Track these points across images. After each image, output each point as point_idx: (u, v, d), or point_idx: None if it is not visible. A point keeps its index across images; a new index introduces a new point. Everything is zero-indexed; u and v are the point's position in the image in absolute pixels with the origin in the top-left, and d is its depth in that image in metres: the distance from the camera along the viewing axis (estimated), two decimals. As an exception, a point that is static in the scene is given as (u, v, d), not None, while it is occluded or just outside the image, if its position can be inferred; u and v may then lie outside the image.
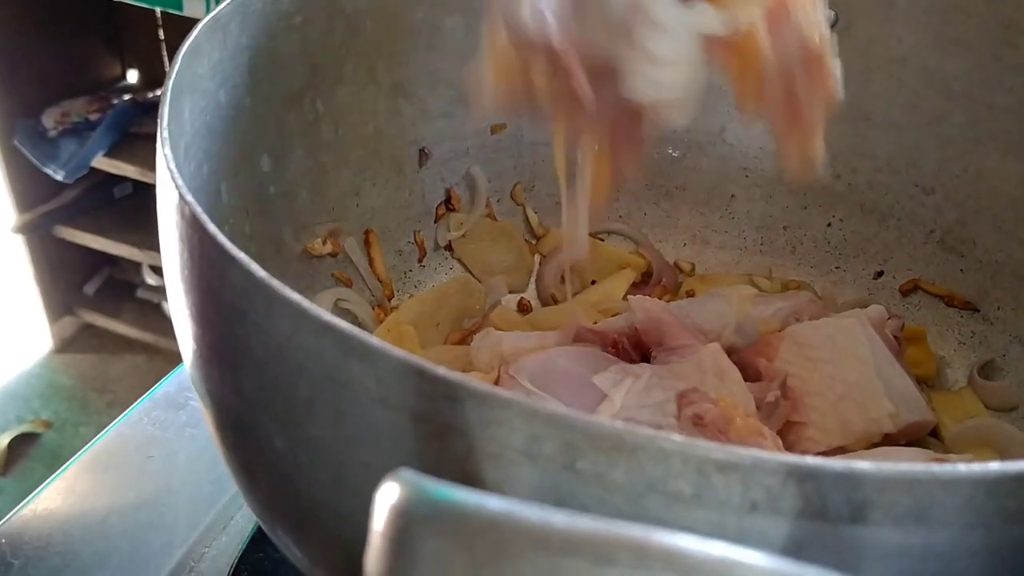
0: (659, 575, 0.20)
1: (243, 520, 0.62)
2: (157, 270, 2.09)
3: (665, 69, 0.42)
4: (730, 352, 0.56)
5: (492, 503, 0.20)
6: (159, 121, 0.39)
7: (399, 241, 0.66)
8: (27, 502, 0.62)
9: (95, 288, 2.23)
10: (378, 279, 0.64)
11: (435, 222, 0.68)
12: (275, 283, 0.30)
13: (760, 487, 0.26)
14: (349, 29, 0.58)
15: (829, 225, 0.69)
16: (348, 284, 0.62)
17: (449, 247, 0.69)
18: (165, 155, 0.36)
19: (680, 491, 0.27)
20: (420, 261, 0.67)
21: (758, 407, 0.53)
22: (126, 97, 2.03)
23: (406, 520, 0.21)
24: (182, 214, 0.34)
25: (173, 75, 0.42)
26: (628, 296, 0.65)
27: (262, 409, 0.34)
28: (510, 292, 0.69)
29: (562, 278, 0.69)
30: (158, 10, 1.84)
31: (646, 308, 0.58)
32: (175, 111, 0.41)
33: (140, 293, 2.22)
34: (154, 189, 0.38)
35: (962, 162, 0.63)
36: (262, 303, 0.31)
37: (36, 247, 2.07)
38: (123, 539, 0.60)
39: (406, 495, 0.21)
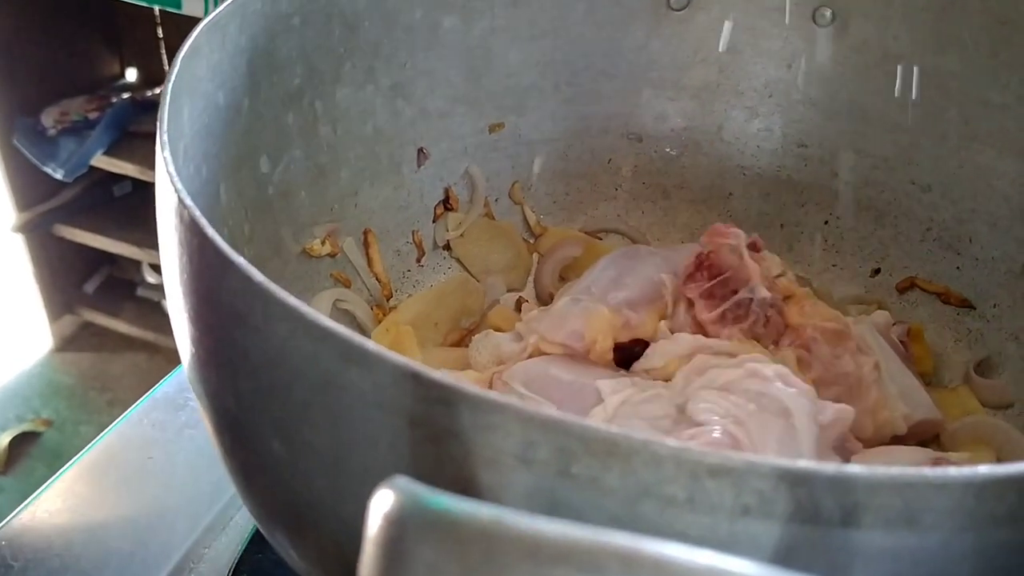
0: (649, 583, 0.20)
1: (242, 521, 0.62)
2: (157, 268, 2.09)
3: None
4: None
5: (484, 512, 0.20)
6: (158, 124, 0.39)
7: (397, 241, 0.66)
8: (27, 504, 0.62)
9: (95, 286, 2.24)
10: (377, 279, 0.64)
11: (433, 222, 0.68)
12: (273, 287, 0.31)
13: (752, 491, 0.26)
14: (347, 30, 0.58)
15: (826, 223, 0.69)
16: (347, 284, 0.63)
17: (447, 246, 0.69)
18: (164, 159, 0.37)
19: (673, 496, 0.27)
20: (418, 261, 0.68)
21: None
22: (125, 96, 2.03)
23: (399, 528, 0.21)
24: (181, 218, 0.34)
25: (172, 78, 0.42)
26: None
27: (259, 412, 0.35)
28: (508, 291, 0.69)
29: (560, 277, 0.69)
30: (157, 8, 1.84)
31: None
32: (174, 113, 0.42)
33: (140, 291, 2.23)
34: (153, 187, 0.39)
35: (958, 159, 0.63)
36: (260, 307, 0.31)
37: (36, 246, 2.08)
38: (123, 541, 0.60)
39: (400, 503, 0.21)
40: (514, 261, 0.69)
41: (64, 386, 2.15)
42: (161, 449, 0.67)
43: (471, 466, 0.28)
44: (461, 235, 0.68)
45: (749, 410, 0.47)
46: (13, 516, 0.61)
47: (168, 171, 0.36)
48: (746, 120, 0.70)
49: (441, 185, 0.68)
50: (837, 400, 0.54)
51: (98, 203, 2.08)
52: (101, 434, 0.67)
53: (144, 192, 2.02)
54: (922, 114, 0.64)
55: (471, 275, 0.69)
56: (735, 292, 0.56)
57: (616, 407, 0.51)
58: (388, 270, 0.65)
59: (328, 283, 0.62)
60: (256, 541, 0.60)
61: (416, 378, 0.28)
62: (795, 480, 0.26)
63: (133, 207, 2.08)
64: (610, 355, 0.56)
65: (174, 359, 0.43)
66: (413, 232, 0.67)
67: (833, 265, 0.70)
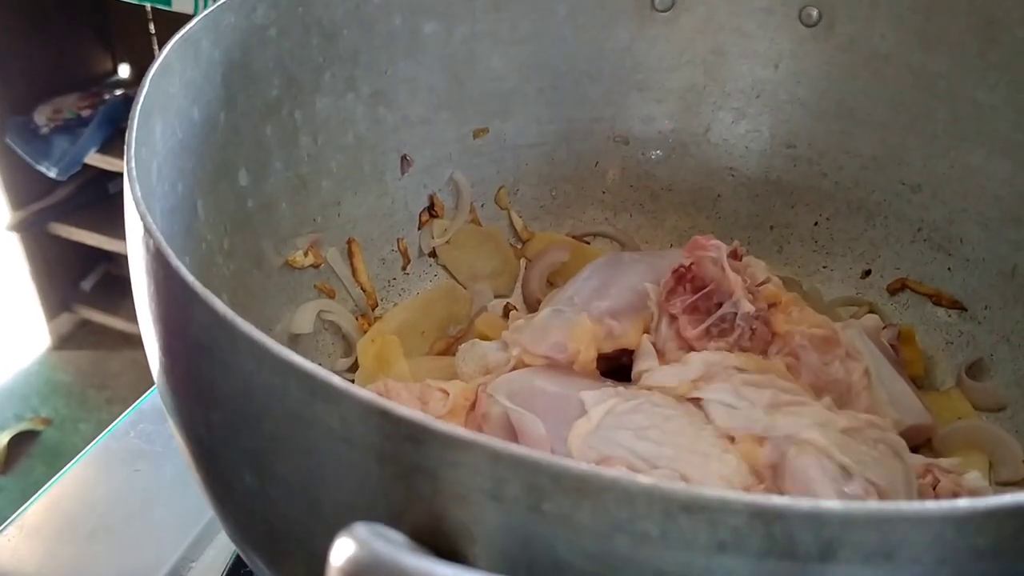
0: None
1: (230, 535, 0.61)
2: (153, 266, 2.08)
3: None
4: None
5: (441, 571, 0.20)
6: (126, 149, 0.39)
7: (382, 249, 0.66)
8: (13, 519, 0.61)
9: (92, 284, 2.24)
10: (362, 288, 0.64)
11: (419, 229, 0.67)
12: (238, 320, 0.30)
13: (727, 527, 0.26)
14: (326, 39, 0.58)
15: (816, 224, 0.69)
16: (331, 295, 0.62)
17: (433, 254, 0.68)
18: (130, 185, 0.36)
19: (647, 532, 0.26)
20: (404, 269, 0.67)
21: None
22: (118, 92, 2.02)
23: (355, 585, 0.20)
24: (147, 247, 0.34)
25: (141, 99, 0.41)
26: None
27: (231, 443, 0.34)
28: (496, 297, 0.68)
29: (548, 282, 0.69)
30: (148, 5, 1.83)
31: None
32: (144, 134, 0.41)
33: (137, 288, 2.22)
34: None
35: (948, 160, 0.63)
36: (226, 340, 0.31)
37: (31, 245, 2.07)
38: (110, 554, 0.60)
39: (356, 556, 0.21)
40: (501, 267, 0.69)
41: (62, 384, 2.15)
42: (148, 461, 0.66)
43: (441, 503, 0.28)
44: (447, 242, 0.68)
45: (874, 456, 0.48)
46: (0, 528, 0.61)
47: (134, 197, 0.35)
48: (733, 121, 0.69)
49: (426, 192, 0.67)
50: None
51: (93, 201, 2.07)
52: (88, 445, 0.67)
53: (138, 190, 2.01)
54: (911, 114, 0.63)
55: (458, 282, 0.68)
56: (719, 305, 0.56)
57: (600, 418, 0.50)
58: (373, 279, 0.65)
59: (312, 294, 0.61)
60: (242, 557, 0.59)
61: (383, 415, 0.27)
62: (770, 516, 0.26)
63: (128, 205, 2.07)
64: (594, 365, 0.55)
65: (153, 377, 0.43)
66: (398, 240, 0.66)
67: (824, 267, 0.69)
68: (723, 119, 0.69)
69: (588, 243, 0.71)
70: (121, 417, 0.68)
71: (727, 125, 0.69)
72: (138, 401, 0.70)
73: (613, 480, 0.26)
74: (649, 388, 0.53)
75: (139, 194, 0.35)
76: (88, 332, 2.26)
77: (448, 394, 0.53)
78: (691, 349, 0.56)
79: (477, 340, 0.60)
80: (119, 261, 2.21)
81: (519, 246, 0.71)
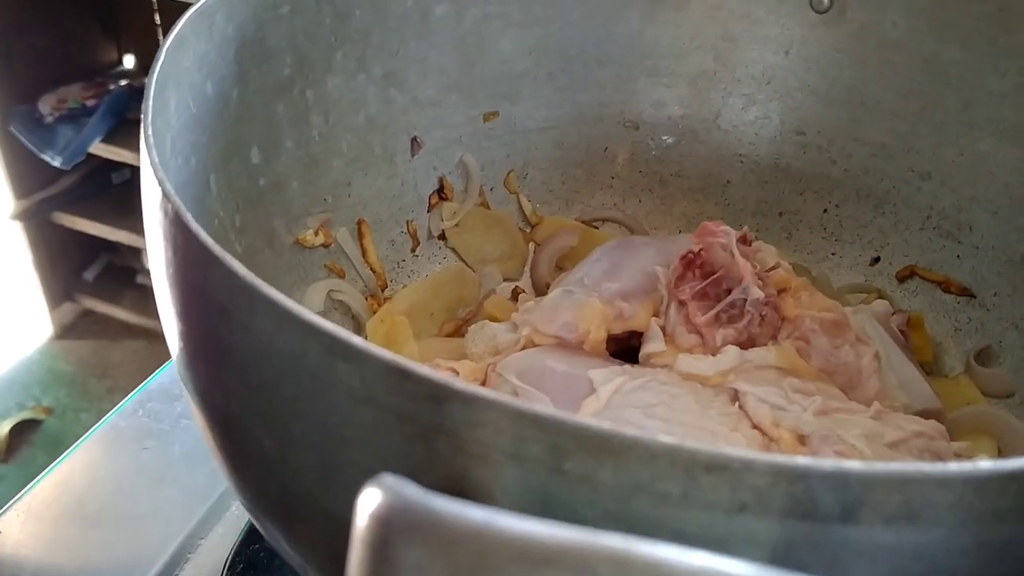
0: (641, 586, 0.19)
1: (239, 512, 0.62)
2: (156, 256, 2.08)
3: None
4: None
5: (474, 513, 0.20)
6: (143, 116, 0.38)
7: (392, 231, 0.66)
8: (22, 495, 0.62)
9: (95, 274, 2.24)
10: (371, 269, 0.64)
11: (428, 211, 0.67)
12: (258, 282, 0.30)
13: (749, 488, 0.26)
14: (338, 18, 0.58)
15: (825, 211, 0.69)
16: (341, 275, 0.62)
17: (442, 236, 0.68)
18: (148, 151, 0.36)
19: (668, 492, 0.26)
20: (413, 251, 0.67)
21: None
22: (122, 83, 2.02)
23: (386, 529, 0.20)
24: (165, 212, 0.34)
25: (157, 69, 0.41)
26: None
27: (249, 408, 0.34)
28: (504, 280, 0.68)
29: (556, 266, 0.69)
30: (153, -5, 1.84)
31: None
32: (160, 105, 0.41)
33: (140, 279, 2.22)
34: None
35: (957, 147, 0.63)
36: (245, 303, 0.31)
37: (35, 234, 2.07)
38: (119, 531, 0.60)
39: (387, 503, 0.21)
40: (510, 250, 0.69)
41: (64, 374, 2.15)
42: (157, 439, 0.66)
43: (461, 463, 0.28)
44: (456, 225, 0.68)
45: None
46: (8, 507, 0.61)
47: (152, 162, 0.35)
48: (743, 108, 0.69)
49: (435, 174, 0.67)
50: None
51: (96, 190, 2.08)
52: (96, 425, 0.67)
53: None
54: (921, 101, 0.63)
55: (467, 265, 0.68)
56: (728, 291, 0.56)
57: (609, 396, 0.50)
58: (382, 260, 0.65)
59: (322, 274, 0.61)
60: (252, 533, 0.59)
61: (404, 374, 0.28)
62: (792, 476, 0.26)
63: (132, 194, 2.04)
64: (604, 346, 0.56)
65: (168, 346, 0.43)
66: (407, 222, 0.66)
67: (832, 253, 0.69)
68: (733, 105, 0.69)
69: (597, 228, 0.71)
70: (130, 396, 0.68)
71: (737, 111, 0.70)
72: (146, 380, 0.70)
73: (636, 440, 0.26)
74: (684, 375, 0.53)
75: (156, 160, 0.35)
76: (90, 322, 2.26)
77: (458, 373, 0.53)
78: (700, 334, 0.56)
79: (487, 321, 0.60)
80: (122, 251, 2.21)
81: (528, 230, 0.71)
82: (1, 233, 2.05)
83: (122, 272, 2.24)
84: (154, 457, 0.65)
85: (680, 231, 0.71)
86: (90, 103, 1.94)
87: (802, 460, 0.26)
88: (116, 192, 2.09)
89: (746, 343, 0.55)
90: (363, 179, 0.63)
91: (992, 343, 0.62)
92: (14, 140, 1.91)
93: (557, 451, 0.27)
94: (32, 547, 0.59)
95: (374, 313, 0.62)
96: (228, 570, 0.57)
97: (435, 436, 0.28)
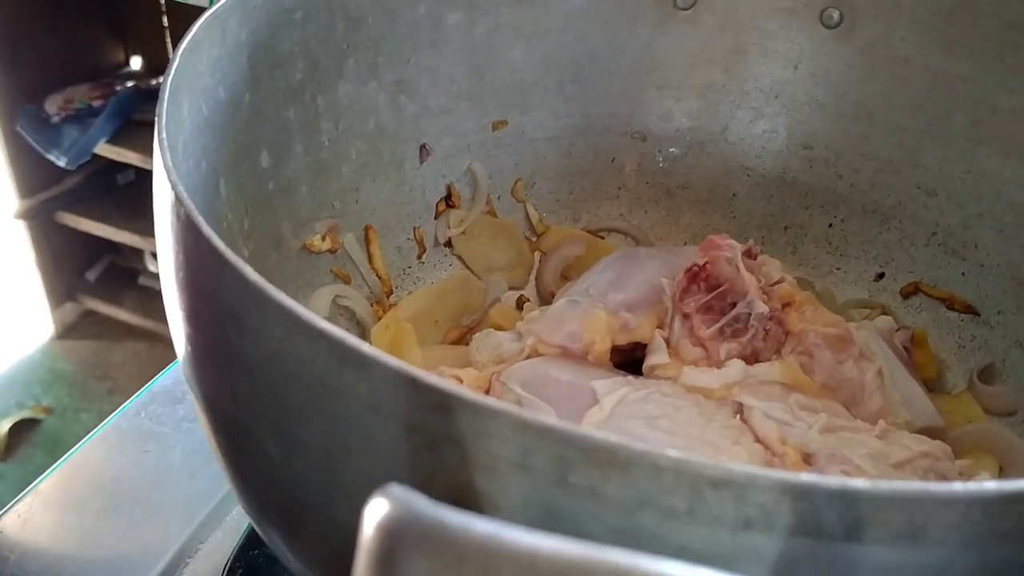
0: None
1: (239, 516, 0.62)
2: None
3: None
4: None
5: (480, 526, 0.20)
6: (157, 119, 0.39)
7: (399, 237, 0.66)
8: (23, 496, 0.62)
9: (97, 275, 2.24)
10: (377, 275, 0.64)
11: (435, 218, 0.67)
12: (269, 287, 0.30)
13: (753, 504, 0.26)
14: (350, 25, 0.58)
15: (831, 226, 0.69)
16: (347, 280, 0.62)
17: (449, 244, 0.68)
18: (162, 154, 0.36)
19: (673, 507, 0.26)
20: (420, 258, 0.67)
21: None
22: (129, 84, 2.03)
23: (393, 539, 0.21)
24: (177, 215, 0.34)
25: (171, 72, 0.41)
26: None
27: (255, 413, 0.34)
28: (510, 289, 0.68)
29: (562, 276, 0.69)
30: (162, -3, 1.84)
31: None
32: (173, 108, 0.41)
33: (142, 280, 2.22)
34: (157, 176, 0.38)
35: (964, 164, 0.63)
36: (255, 307, 0.31)
37: (38, 233, 2.07)
38: (118, 534, 0.60)
39: (394, 513, 0.21)
40: (516, 259, 0.69)
41: (65, 374, 2.15)
42: (158, 443, 0.66)
43: (467, 472, 0.28)
44: (463, 232, 0.68)
45: None
46: (8, 508, 0.61)
47: (165, 166, 0.35)
48: (751, 121, 0.69)
49: (443, 182, 0.67)
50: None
51: (101, 191, 2.08)
52: (98, 427, 0.67)
53: (147, 181, 1.98)
54: (929, 117, 0.64)
55: (472, 273, 0.68)
56: (733, 305, 0.56)
57: (612, 407, 0.50)
58: (389, 267, 0.65)
59: (328, 279, 0.61)
60: (252, 538, 0.59)
61: (412, 383, 0.28)
62: (797, 493, 0.26)
63: (136, 195, 2.07)
64: (608, 357, 0.56)
65: (175, 349, 0.43)
66: (414, 229, 0.67)
67: (837, 268, 0.69)
68: (741, 118, 0.70)
69: (603, 238, 0.71)
70: (133, 397, 0.68)
71: (745, 124, 0.70)
72: (149, 382, 0.70)
73: (642, 453, 0.26)
74: (689, 388, 0.53)
75: (170, 163, 0.35)
76: (92, 322, 2.26)
77: (462, 381, 0.53)
78: (704, 347, 0.56)
79: (491, 329, 0.60)
80: (125, 252, 2.21)
81: (534, 239, 0.71)
82: (4, 232, 2.06)
83: (124, 273, 2.24)
84: (155, 460, 0.65)
85: (686, 243, 0.71)
86: (97, 104, 1.95)
87: (807, 477, 0.26)
88: (120, 193, 2.09)
89: (750, 357, 0.55)
90: (371, 185, 0.63)
91: (995, 361, 0.62)
92: (20, 139, 1.91)
93: (563, 463, 0.27)
94: (33, 548, 0.59)
95: (379, 319, 0.62)
96: (227, 575, 0.57)
97: (441, 445, 0.28)
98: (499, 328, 0.62)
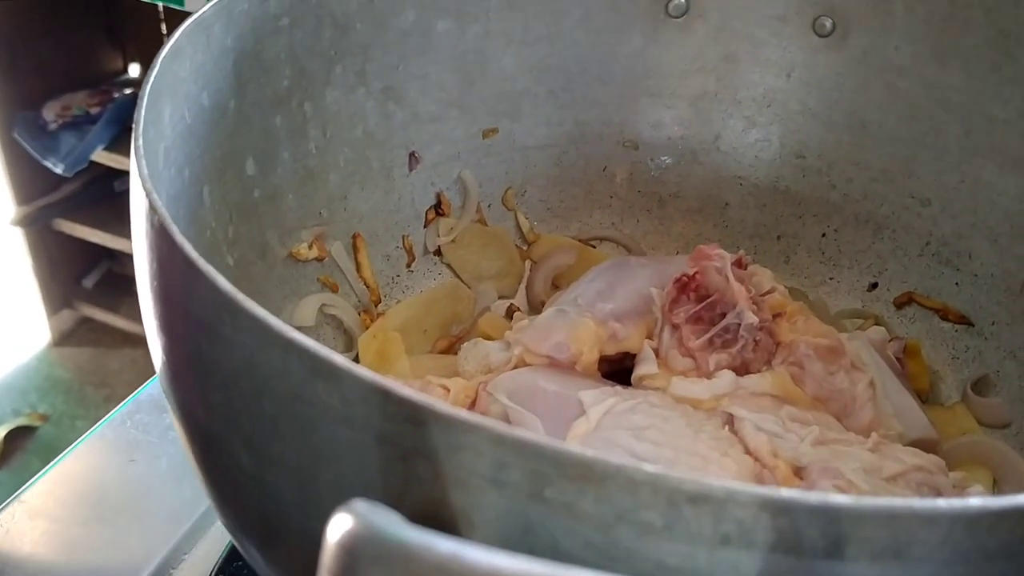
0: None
1: (223, 528, 0.61)
2: (155, 265, 2.08)
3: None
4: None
5: (442, 545, 0.19)
6: (134, 127, 0.38)
7: (387, 246, 0.65)
8: (6, 505, 0.61)
9: (94, 282, 2.23)
10: (365, 284, 0.63)
11: (424, 227, 0.67)
12: (241, 297, 0.30)
13: (732, 520, 0.25)
14: (338, 32, 0.57)
15: (824, 235, 0.68)
16: (334, 289, 0.62)
17: (438, 252, 0.68)
18: (137, 161, 0.36)
19: (650, 522, 0.26)
20: (408, 266, 0.67)
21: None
22: (127, 91, 2.02)
23: (351, 557, 0.20)
24: (152, 223, 0.34)
25: (151, 79, 0.41)
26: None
27: (229, 424, 0.34)
28: (500, 298, 0.68)
29: (552, 284, 0.68)
30: (160, 4, 1.83)
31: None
32: (153, 116, 0.41)
33: (139, 287, 2.22)
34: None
35: (959, 174, 0.62)
36: (228, 318, 0.30)
37: (35, 240, 2.07)
38: (102, 544, 0.59)
39: (355, 530, 0.20)
40: (506, 268, 0.69)
41: (61, 381, 2.14)
42: (144, 452, 0.66)
43: (441, 487, 0.27)
44: (453, 241, 0.67)
45: None
46: (-9, 519, 0.60)
47: (140, 173, 0.35)
48: (744, 130, 0.69)
49: (433, 190, 0.67)
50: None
51: (98, 198, 2.07)
52: (82, 436, 0.66)
53: (143, 189, 2.01)
54: (923, 127, 0.63)
55: (462, 281, 0.68)
56: (723, 316, 0.55)
57: (599, 418, 0.50)
58: (377, 275, 0.64)
59: (315, 288, 0.61)
60: (236, 549, 0.58)
61: (385, 394, 0.27)
62: (777, 509, 0.25)
63: (133, 203, 2.07)
64: (596, 367, 0.55)
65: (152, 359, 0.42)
66: (403, 237, 0.66)
67: (830, 278, 0.69)
68: (733, 127, 0.69)
69: (594, 247, 0.71)
70: (119, 407, 0.68)
71: (737, 133, 0.69)
72: (135, 391, 0.69)
73: (618, 468, 0.25)
74: (678, 399, 0.53)
75: (146, 171, 0.35)
76: (88, 329, 2.25)
77: (449, 391, 0.53)
78: (693, 358, 0.56)
79: (480, 339, 0.59)
80: (122, 259, 2.21)
81: (525, 247, 0.70)
82: (1, 239, 2.05)
83: (121, 280, 2.24)
84: (140, 469, 0.64)
85: (678, 252, 0.71)
86: (94, 111, 1.94)
87: (787, 493, 0.25)
88: (118, 200, 2.09)
89: (740, 368, 0.54)
90: (359, 193, 0.62)
91: (990, 372, 0.61)
92: (17, 146, 1.91)
93: (537, 477, 0.26)
94: (15, 558, 0.58)
95: (367, 328, 0.62)
96: (212, 585, 0.57)
97: (414, 459, 0.27)
98: (488, 338, 0.61)
